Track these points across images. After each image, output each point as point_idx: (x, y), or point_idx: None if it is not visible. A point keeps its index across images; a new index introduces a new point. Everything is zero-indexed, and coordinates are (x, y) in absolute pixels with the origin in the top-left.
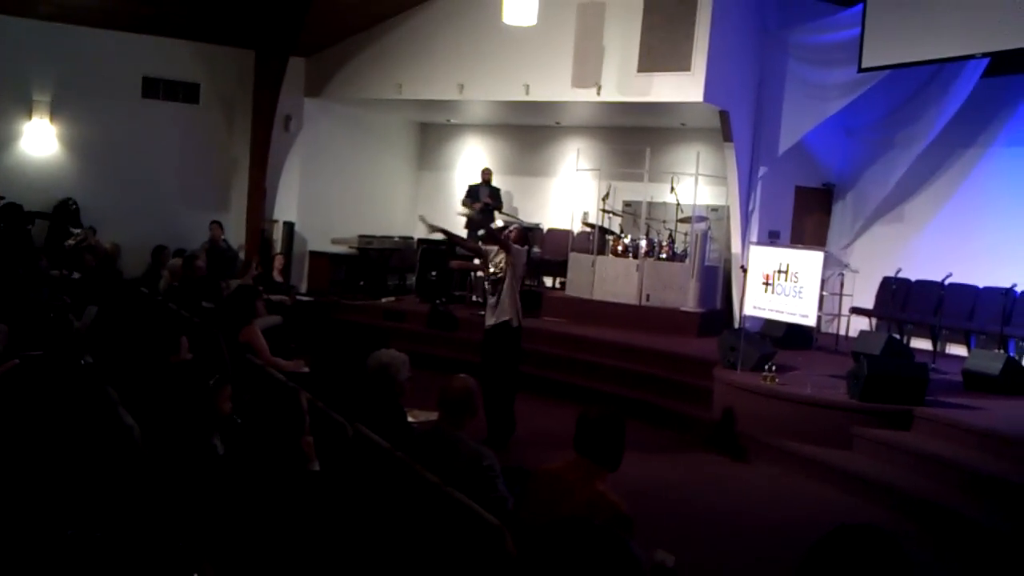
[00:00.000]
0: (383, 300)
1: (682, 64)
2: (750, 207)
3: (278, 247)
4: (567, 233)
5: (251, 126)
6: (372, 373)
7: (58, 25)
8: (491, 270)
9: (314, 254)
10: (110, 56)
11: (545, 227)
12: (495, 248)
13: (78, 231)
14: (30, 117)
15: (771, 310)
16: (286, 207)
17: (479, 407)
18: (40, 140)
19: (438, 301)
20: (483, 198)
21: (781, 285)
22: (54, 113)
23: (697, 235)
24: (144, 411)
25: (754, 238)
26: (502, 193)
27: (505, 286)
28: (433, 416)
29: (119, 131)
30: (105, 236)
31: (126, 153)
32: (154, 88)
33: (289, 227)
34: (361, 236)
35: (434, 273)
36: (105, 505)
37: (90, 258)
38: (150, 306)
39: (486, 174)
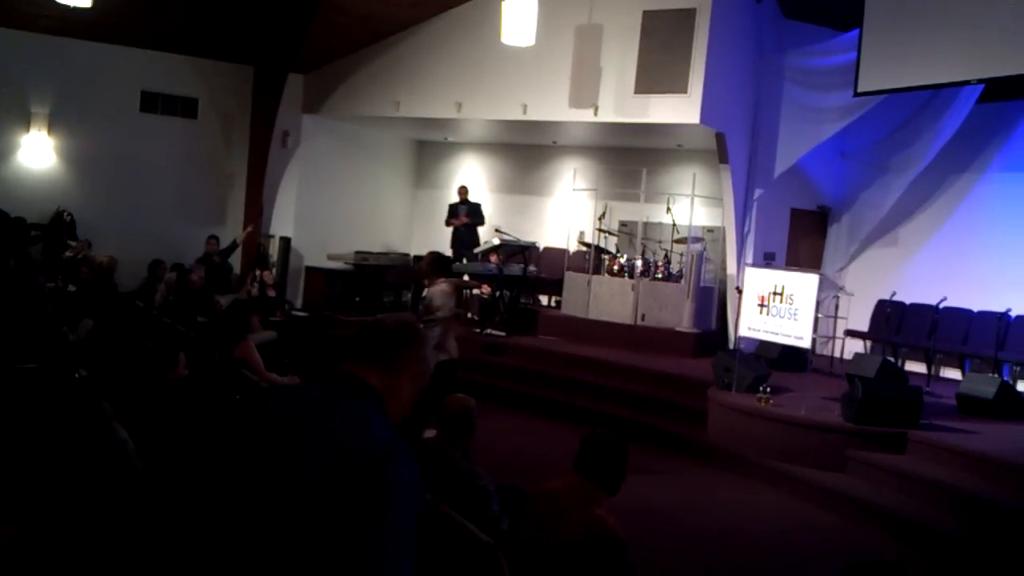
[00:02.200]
0: (378, 316)
1: (679, 86)
2: (746, 229)
3: (274, 262)
4: (563, 252)
5: (249, 141)
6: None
7: (58, 38)
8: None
9: (310, 269)
10: (109, 70)
11: (541, 246)
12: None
13: (75, 243)
14: (28, 129)
15: (766, 331)
16: (283, 222)
17: (476, 426)
18: (38, 152)
19: None
20: (460, 215)
21: (776, 307)
22: (52, 126)
23: (693, 256)
24: (140, 426)
25: (749, 259)
26: (484, 208)
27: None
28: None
29: (117, 145)
30: (101, 249)
31: (124, 167)
32: (153, 102)
33: (285, 242)
34: (357, 252)
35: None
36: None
37: (85, 270)
38: (145, 320)
39: (462, 192)
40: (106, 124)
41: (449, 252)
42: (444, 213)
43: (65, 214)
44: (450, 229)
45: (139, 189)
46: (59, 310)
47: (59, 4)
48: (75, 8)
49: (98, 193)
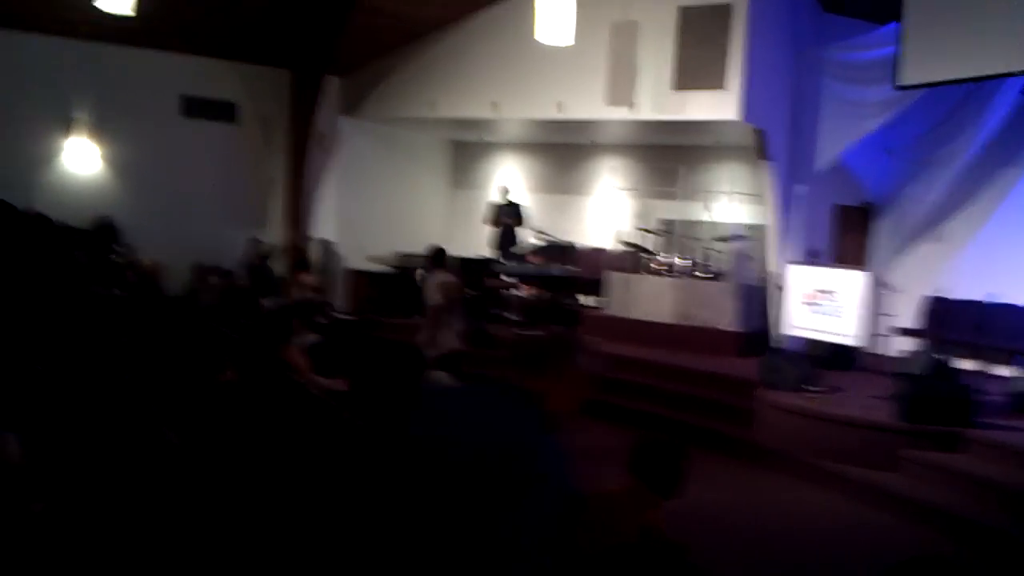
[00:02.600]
0: (420, 318)
1: (717, 82)
2: (788, 226)
3: (316, 266)
4: (603, 251)
5: (288, 144)
6: None
7: (97, 44)
8: None
9: (351, 272)
10: (149, 75)
11: (581, 245)
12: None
13: (120, 248)
14: (69, 134)
15: (812, 329)
16: (323, 225)
17: None
18: (80, 158)
19: (476, 320)
20: (502, 217)
21: (822, 304)
22: (93, 131)
23: (734, 254)
24: (189, 428)
25: (793, 257)
26: (524, 206)
27: None
28: None
29: (158, 149)
30: (144, 254)
31: (165, 171)
32: (192, 107)
33: (326, 245)
34: (397, 254)
35: (472, 291)
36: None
37: (132, 275)
38: (191, 324)
39: (503, 191)
40: (147, 129)
41: (490, 252)
42: (481, 213)
43: (107, 219)
44: (489, 229)
45: (181, 193)
46: (108, 314)
47: (99, 10)
48: (117, 14)
49: (140, 198)
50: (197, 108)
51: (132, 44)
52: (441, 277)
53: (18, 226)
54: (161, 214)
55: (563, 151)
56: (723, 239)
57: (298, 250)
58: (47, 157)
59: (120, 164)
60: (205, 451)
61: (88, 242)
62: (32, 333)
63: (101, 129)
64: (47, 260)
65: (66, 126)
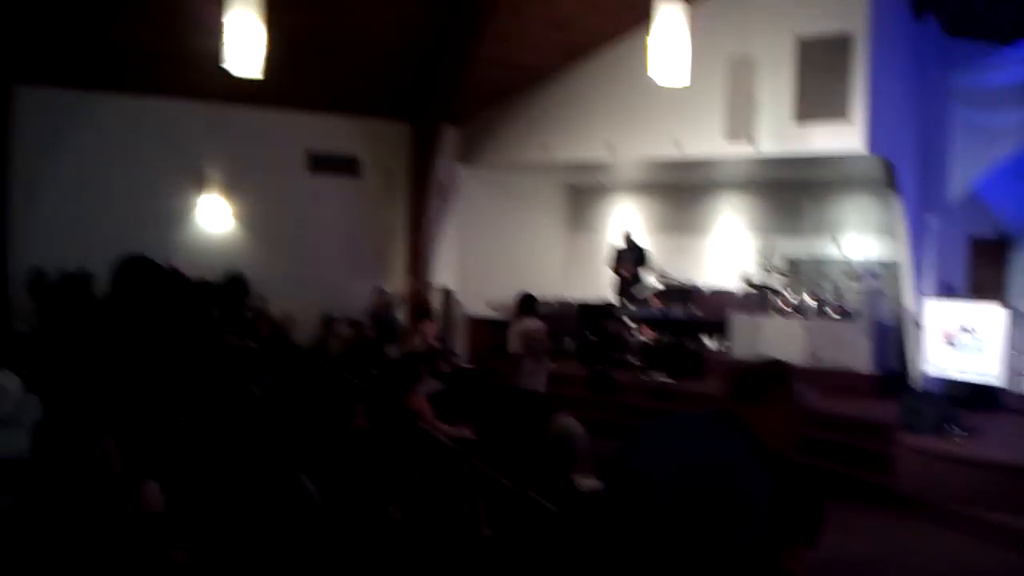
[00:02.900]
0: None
1: (840, 113)
2: (922, 260)
3: (437, 314)
4: (726, 292)
5: (408, 195)
6: (551, 441)
7: (227, 105)
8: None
9: (471, 319)
10: (277, 133)
11: (704, 287)
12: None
13: (251, 301)
14: (203, 192)
15: (953, 369)
16: (443, 273)
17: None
18: (212, 214)
19: (598, 365)
20: (625, 261)
21: (962, 342)
22: (224, 188)
23: (868, 292)
24: (322, 475)
25: (928, 293)
26: (647, 250)
27: None
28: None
29: (285, 204)
30: (273, 305)
31: (292, 225)
32: (318, 162)
33: (447, 293)
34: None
35: (593, 336)
36: (284, 566)
37: (265, 327)
38: (322, 373)
39: (626, 236)
40: (275, 185)
41: (614, 297)
42: (599, 256)
43: (237, 273)
44: (611, 272)
45: (307, 246)
46: (243, 366)
47: (228, 73)
48: (243, 76)
49: (269, 251)
50: (322, 163)
51: (260, 104)
52: (525, 324)
53: (159, 282)
54: (289, 266)
55: (681, 191)
56: (853, 276)
57: (419, 299)
58: (182, 214)
59: (249, 219)
60: (340, 497)
61: (220, 296)
62: (172, 385)
63: (231, 186)
64: (185, 315)
65: (199, 184)
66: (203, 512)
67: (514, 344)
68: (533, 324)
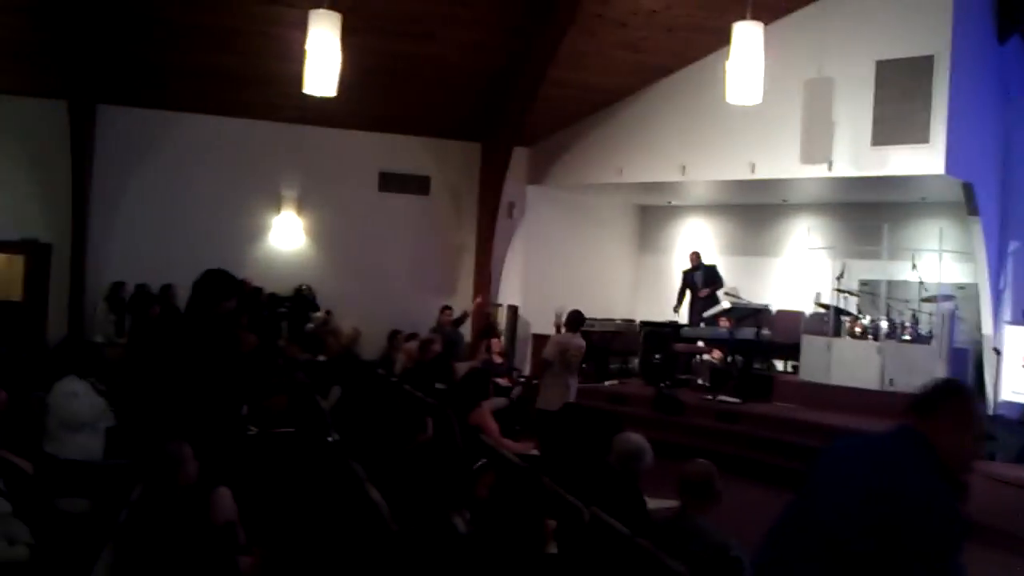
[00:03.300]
0: (606, 383)
1: (920, 136)
2: (1001, 284)
3: (502, 330)
4: (798, 314)
5: (477, 214)
6: (619, 455)
7: (304, 127)
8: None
9: (537, 337)
10: (351, 153)
11: (774, 308)
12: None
13: (316, 315)
14: (279, 211)
15: None
16: (510, 291)
17: (720, 492)
18: (287, 232)
19: (663, 384)
20: (698, 283)
21: None
22: (300, 206)
23: (943, 315)
24: (389, 487)
25: (1008, 318)
26: (716, 270)
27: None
28: (663, 504)
29: (357, 222)
30: (342, 320)
31: (362, 242)
32: (389, 181)
33: (513, 311)
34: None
35: (658, 356)
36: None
37: (333, 341)
38: (388, 388)
39: (694, 258)
40: (348, 203)
41: (681, 317)
42: (668, 278)
43: (305, 288)
44: (677, 290)
45: (376, 263)
46: (311, 379)
47: (305, 95)
48: (320, 98)
49: (339, 268)
50: (393, 182)
51: (335, 125)
52: (568, 338)
53: (237, 296)
54: (359, 282)
55: (753, 211)
56: (931, 299)
57: (486, 317)
58: (256, 231)
59: (323, 237)
60: (407, 509)
61: (290, 310)
62: (244, 396)
63: (304, 204)
64: (259, 329)
65: (276, 203)
66: (271, 520)
67: (550, 351)
68: (576, 340)
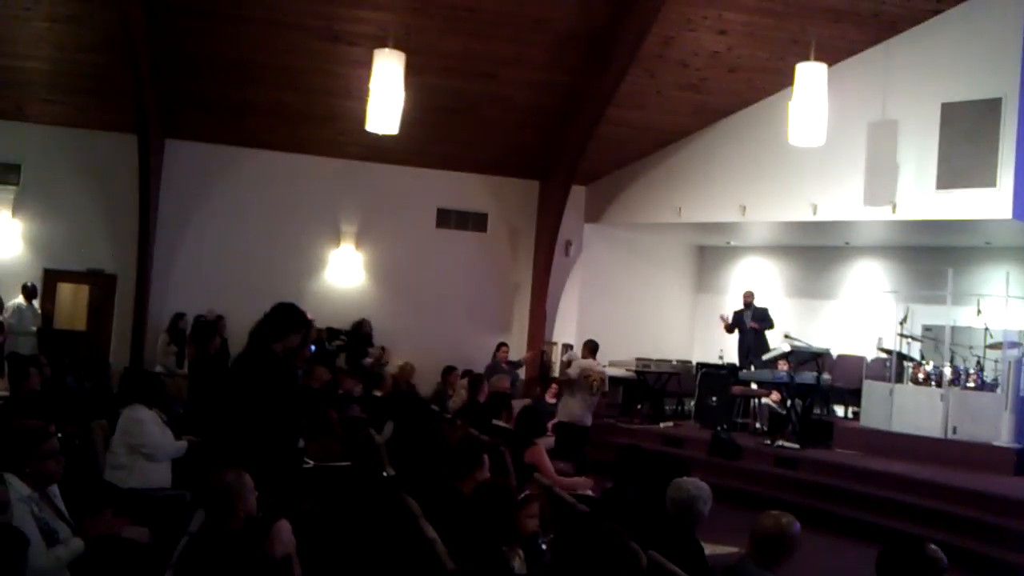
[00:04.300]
0: (661, 425)
1: (986, 179)
2: None
3: (557, 369)
4: (860, 359)
5: (534, 252)
6: (674, 501)
7: (364, 163)
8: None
9: None
10: (409, 190)
11: (835, 352)
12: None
13: (372, 349)
14: (338, 245)
15: None
16: (565, 329)
17: (796, 547)
18: (345, 266)
19: (719, 428)
20: (748, 322)
21: None
22: (359, 242)
23: (1009, 362)
24: (444, 524)
25: None
26: (768, 311)
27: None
28: (723, 550)
29: (414, 258)
30: (397, 355)
31: (419, 278)
32: (447, 218)
33: (568, 349)
34: (638, 359)
35: (715, 398)
36: None
37: (390, 377)
38: (442, 423)
39: (747, 297)
40: (405, 239)
41: (735, 359)
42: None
43: (364, 323)
44: (735, 335)
45: (433, 299)
46: (367, 413)
47: (366, 132)
48: (381, 135)
49: (396, 303)
50: (451, 219)
51: (395, 163)
52: (590, 362)
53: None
54: (415, 318)
55: (814, 253)
56: (996, 346)
57: (540, 367)
58: (318, 266)
59: (381, 272)
60: (462, 546)
61: (347, 345)
62: (299, 431)
63: (363, 239)
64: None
65: (336, 238)
66: (327, 555)
67: (573, 371)
68: (597, 365)
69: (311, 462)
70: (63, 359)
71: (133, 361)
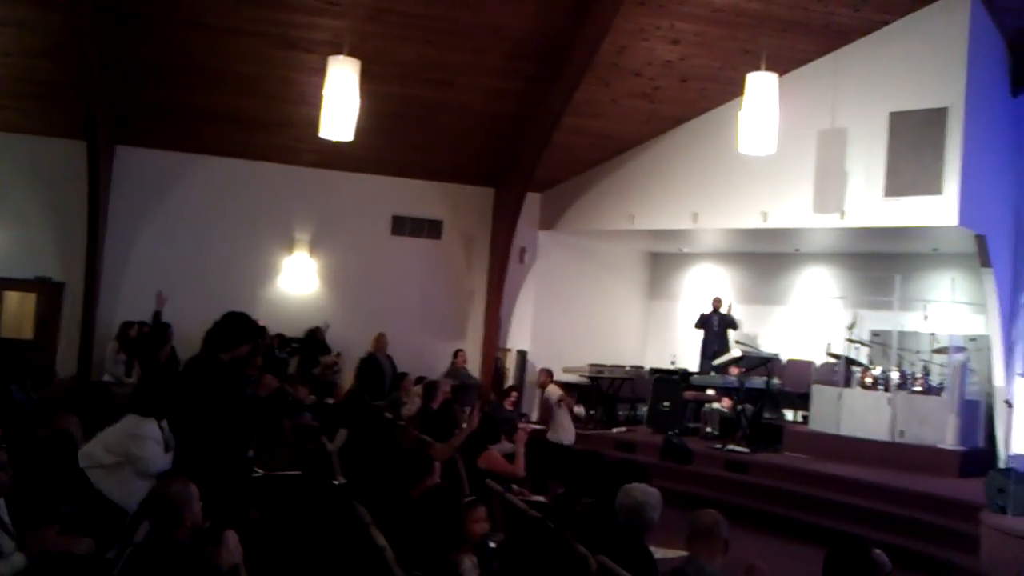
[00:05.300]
0: (614, 430)
1: (933, 187)
2: (1013, 336)
3: (511, 375)
4: (809, 364)
5: (489, 258)
6: (624, 507)
7: (318, 170)
8: None
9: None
10: (364, 197)
11: (784, 357)
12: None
13: (324, 358)
14: (291, 252)
15: None
16: (519, 336)
17: (728, 541)
18: (299, 274)
19: (671, 432)
20: (714, 326)
21: None
22: (312, 249)
23: (955, 367)
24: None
25: (1019, 370)
26: (735, 319)
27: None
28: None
29: (369, 265)
30: (351, 362)
31: (374, 285)
32: (402, 225)
33: (522, 356)
34: (592, 365)
35: (667, 403)
36: None
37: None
38: (395, 431)
39: (716, 303)
40: (360, 246)
41: (690, 362)
42: (677, 324)
43: (317, 331)
44: (685, 341)
45: (388, 306)
46: (320, 421)
47: (321, 139)
48: (336, 142)
49: (351, 310)
50: (406, 226)
51: (350, 170)
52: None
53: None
54: (369, 325)
55: (764, 260)
56: (942, 351)
57: (495, 370)
58: (271, 274)
59: (334, 279)
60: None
61: (301, 352)
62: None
63: (317, 247)
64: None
65: (289, 245)
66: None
67: (553, 395)
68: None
69: (260, 471)
70: (8, 368)
71: (81, 370)
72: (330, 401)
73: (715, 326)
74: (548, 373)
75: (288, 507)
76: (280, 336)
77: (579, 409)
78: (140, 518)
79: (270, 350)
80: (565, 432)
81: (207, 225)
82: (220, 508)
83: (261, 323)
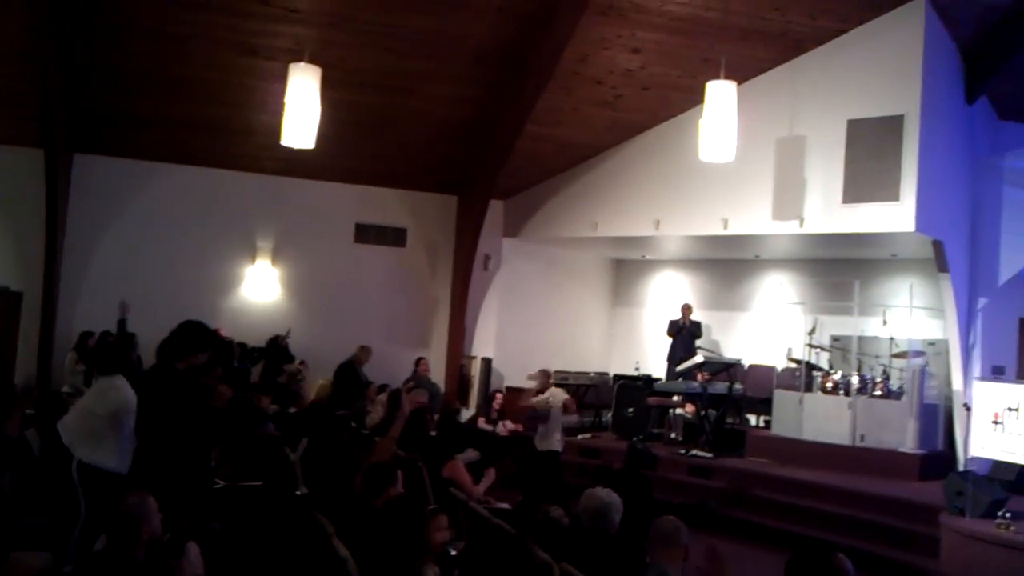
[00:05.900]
0: (579, 437)
1: (890, 193)
2: (971, 341)
3: (475, 383)
4: (771, 369)
5: (452, 266)
6: (588, 510)
7: (280, 178)
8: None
9: (511, 390)
10: (327, 205)
11: (746, 363)
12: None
13: (288, 367)
14: (254, 261)
15: (1001, 451)
16: (484, 343)
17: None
18: (261, 282)
19: (635, 438)
20: (683, 333)
21: (1012, 424)
22: (275, 257)
23: (914, 371)
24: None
25: (977, 373)
26: (702, 326)
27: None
28: None
29: (332, 273)
30: (315, 371)
31: (338, 293)
32: (366, 233)
33: (487, 363)
34: (556, 371)
35: (631, 410)
36: None
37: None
38: (358, 440)
39: (686, 310)
40: (323, 255)
41: (657, 368)
42: (641, 331)
43: (280, 339)
44: (650, 347)
45: (352, 314)
46: (282, 431)
47: (282, 147)
48: (297, 150)
49: (314, 318)
50: (369, 234)
51: (312, 177)
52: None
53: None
54: (333, 334)
55: (726, 266)
56: (901, 355)
57: (459, 368)
58: (233, 282)
59: (298, 287)
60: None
61: (262, 360)
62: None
63: (280, 255)
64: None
65: (251, 254)
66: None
67: (542, 405)
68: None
69: (221, 482)
70: None
71: (39, 380)
72: (292, 410)
73: (684, 333)
74: (548, 374)
75: (250, 518)
76: (242, 345)
77: None
78: (93, 529)
79: (229, 359)
80: (558, 441)
81: (167, 234)
82: (181, 519)
83: (223, 333)
